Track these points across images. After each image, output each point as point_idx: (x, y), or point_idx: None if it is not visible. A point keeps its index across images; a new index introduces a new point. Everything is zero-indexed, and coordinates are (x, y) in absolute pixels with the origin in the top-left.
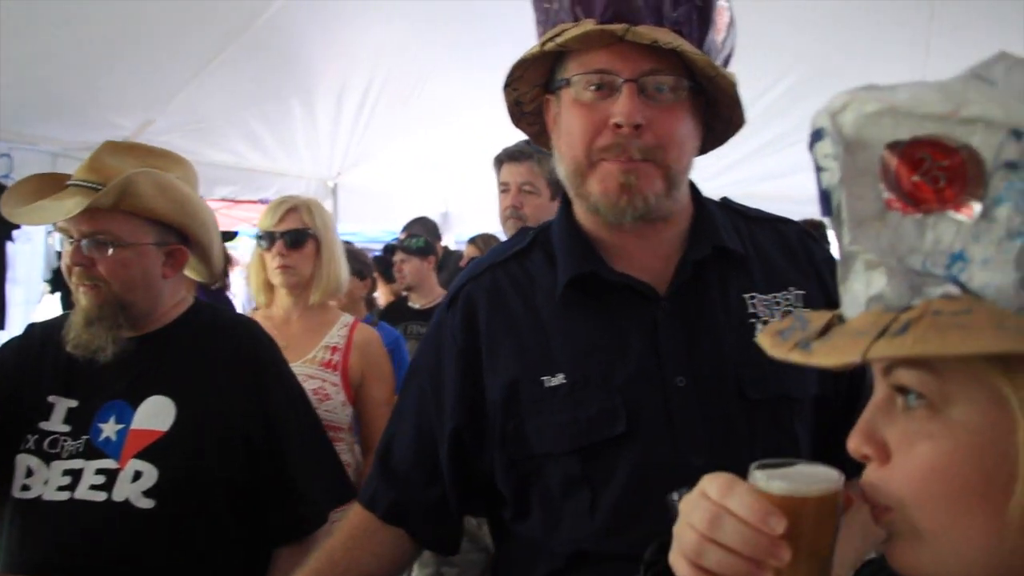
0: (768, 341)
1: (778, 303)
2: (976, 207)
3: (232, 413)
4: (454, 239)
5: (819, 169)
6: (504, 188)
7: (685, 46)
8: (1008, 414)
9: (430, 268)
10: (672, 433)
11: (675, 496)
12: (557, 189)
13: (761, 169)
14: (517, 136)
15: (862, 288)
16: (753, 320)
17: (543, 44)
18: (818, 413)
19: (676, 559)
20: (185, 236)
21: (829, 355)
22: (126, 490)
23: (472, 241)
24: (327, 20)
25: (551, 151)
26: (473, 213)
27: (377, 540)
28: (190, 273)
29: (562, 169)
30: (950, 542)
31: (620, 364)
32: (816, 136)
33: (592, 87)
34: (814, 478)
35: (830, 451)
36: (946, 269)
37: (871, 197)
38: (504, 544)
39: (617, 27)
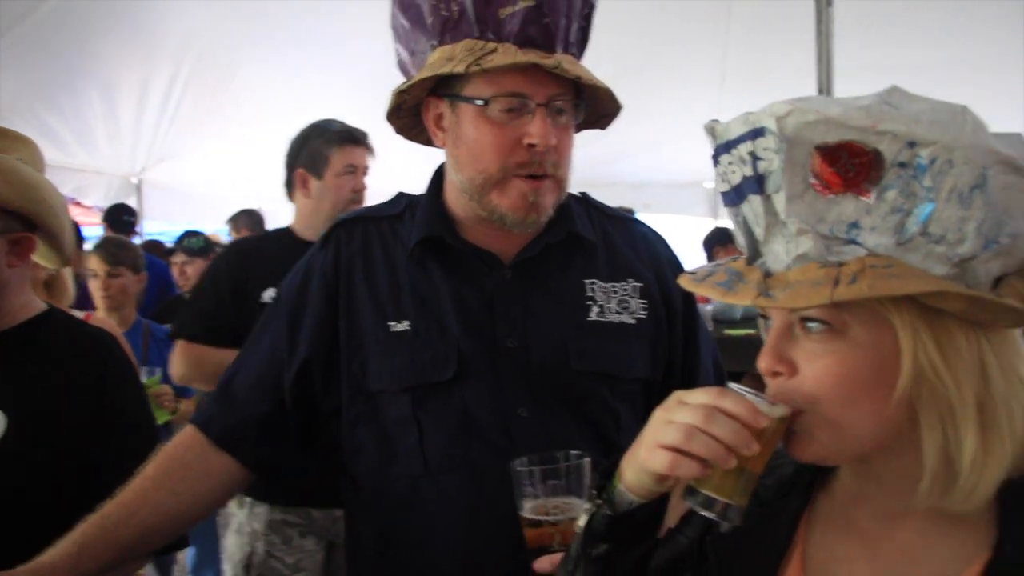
0: (715, 291)
1: (615, 292)
2: (873, 192)
3: (69, 431)
4: None
5: (756, 159)
6: (351, 170)
7: (599, 82)
8: (892, 333)
9: None
10: (499, 387)
11: (517, 464)
12: None
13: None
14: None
15: (783, 248)
16: (589, 303)
17: (467, 68)
18: (646, 394)
19: (652, 451)
20: (31, 222)
21: (796, 300)
22: None
23: (233, 219)
24: (125, 7)
25: (418, 142)
26: (287, 208)
27: (207, 461)
28: (39, 259)
29: (461, 177)
30: (850, 426)
31: (458, 320)
32: (757, 133)
33: (506, 109)
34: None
35: None
36: (846, 233)
37: (799, 181)
38: (347, 491)
39: (549, 62)
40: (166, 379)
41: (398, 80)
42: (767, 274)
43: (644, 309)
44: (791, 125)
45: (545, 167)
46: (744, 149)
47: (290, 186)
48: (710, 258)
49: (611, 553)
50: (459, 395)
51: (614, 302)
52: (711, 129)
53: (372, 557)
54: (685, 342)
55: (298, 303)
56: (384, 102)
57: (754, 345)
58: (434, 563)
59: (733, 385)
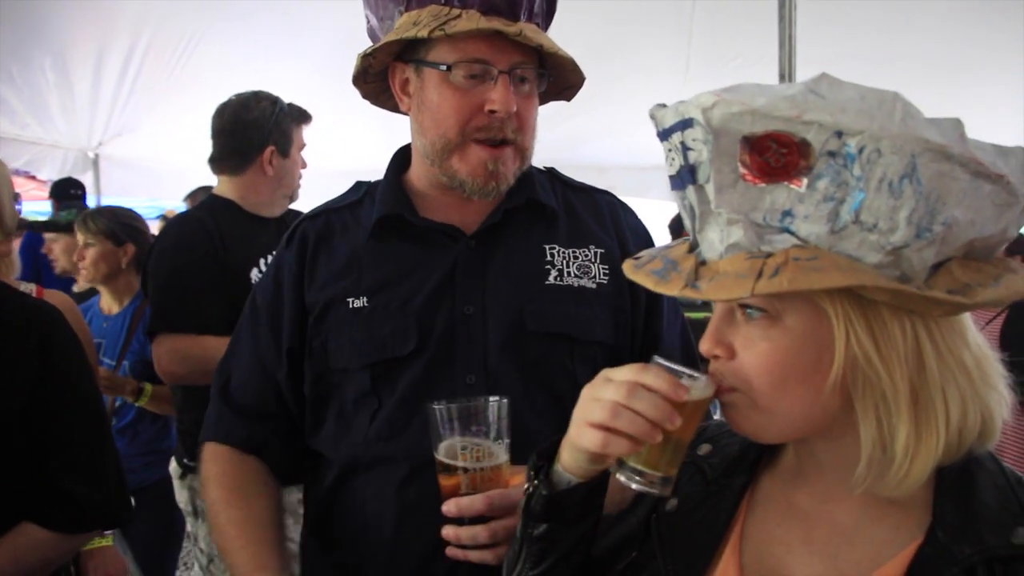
0: (649, 280)
1: (576, 256)
2: (804, 180)
3: (9, 404)
4: None
5: (687, 148)
6: (303, 147)
7: (561, 51)
8: (827, 322)
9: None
10: (452, 354)
11: (435, 405)
12: None
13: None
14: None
15: (717, 237)
16: (549, 267)
17: (431, 32)
18: (609, 359)
19: (581, 429)
20: None
21: (719, 291)
22: None
23: (191, 196)
24: None
25: (385, 108)
26: None
27: (251, 467)
28: None
29: (424, 141)
30: (780, 410)
31: (419, 293)
32: (686, 124)
33: (468, 75)
34: (697, 381)
35: None
36: (779, 222)
37: (729, 171)
38: (307, 471)
39: (512, 29)
40: (137, 367)
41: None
42: (702, 262)
43: (606, 274)
44: (717, 117)
45: (505, 132)
46: (676, 139)
47: (244, 160)
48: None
49: (551, 532)
50: (416, 368)
51: (574, 267)
52: (652, 115)
53: (320, 528)
54: (648, 311)
55: (276, 307)
56: (345, 78)
57: None
58: (369, 527)
59: (659, 359)
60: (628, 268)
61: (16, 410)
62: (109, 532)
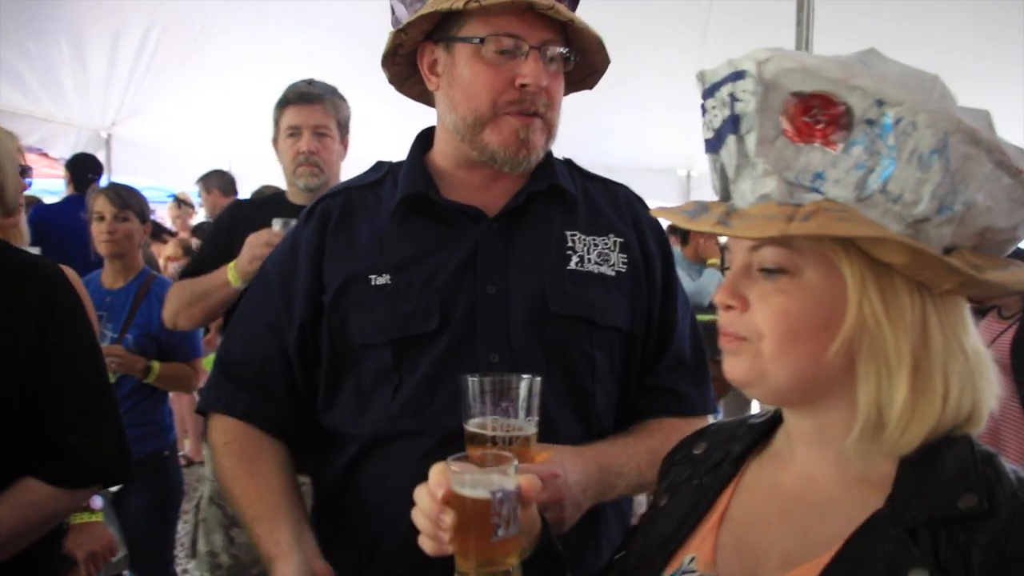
0: (680, 218)
1: (596, 244)
2: (840, 145)
3: (5, 357)
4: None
5: (735, 100)
6: (292, 132)
7: (590, 28)
8: (842, 283)
9: None
10: (475, 333)
11: (470, 377)
12: (344, 133)
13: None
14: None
15: (750, 188)
16: (570, 253)
17: (466, 3)
18: (624, 346)
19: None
20: None
21: (748, 229)
22: None
23: (204, 179)
24: None
25: (406, 95)
26: (259, 172)
27: (255, 434)
28: None
29: (455, 117)
30: (784, 364)
31: (441, 272)
32: (737, 76)
33: (500, 49)
34: (487, 484)
35: (629, 386)
36: (810, 182)
37: (771, 126)
38: (317, 450)
39: (544, 2)
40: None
41: (378, 39)
42: (731, 210)
43: (624, 263)
44: (770, 70)
45: (536, 105)
46: (725, 91)
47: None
48: (685, 243)
49: None
50: (439, 345)
51: (594, 254)
52: (700, 75)
53: (333, 505)
54: (663, 302)
55: (289, 276)
56: (363, 61)
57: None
58: (386, 502)
59: (452, 462)
60: (658, 211)
61: (17, 363)
62: (99, 508)
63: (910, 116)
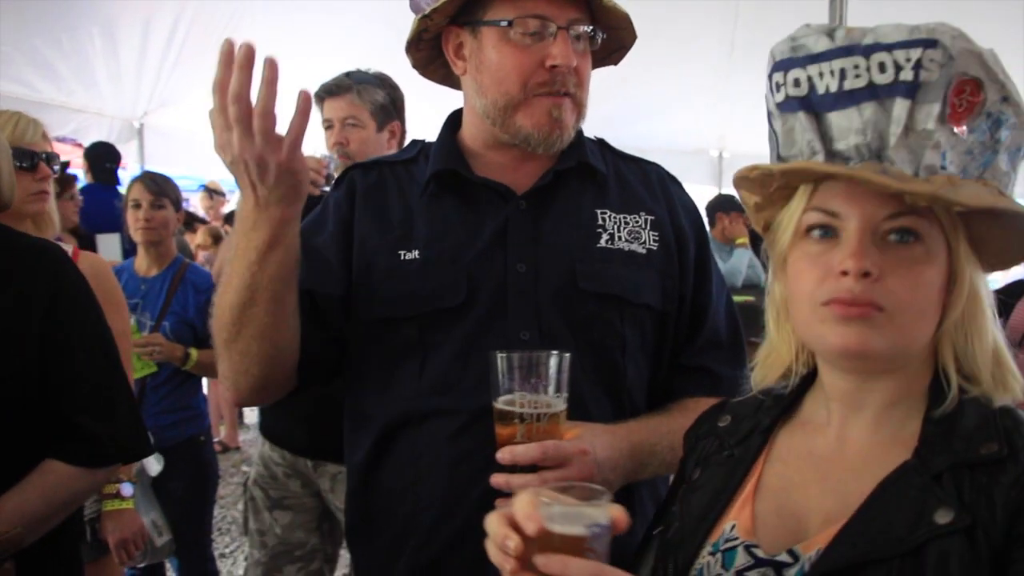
0: (888, 180)
1: (627, 222)
2: (966, 129)
3: (17, 340)
4: None
5: (920, 67)
6: (328, 125)
7: (618, 6)
8: (945, 253)
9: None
10: (505, 310)
11: (499, 353)
12: (385, 118)
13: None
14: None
15: (907, 156)
16: (600, 231)
17: None
18: (656, 324)
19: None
20: None
21: (971, 199)
22: None
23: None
24: None
25: (431, 79)
26: None
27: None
28: None
29: (484, 102)
30: (913, 334)
31: (470, 248)
32: (929, 44)
33: (527, 31)
34: (579, 518)
35: (662, 365)
36: (940, 159)
37: (942, 101)
38: (347, 423)
39: None
40: (186, 330)
41: (405, 26)
42: (885, 171)
43: (656, 241)
44: (958, 47)
45: (567, 86)
46: (901, 55)
47: None
48: (711, 224)
49: None
50: (466, 321)
51: (624, 232)
52: (864, 31)
53: (361, 483)
54: (696, 280)
55: (313, 241)
56: (393, 50)
57: (753, 311)
58: (419, 481)
59: (545, 491)
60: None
61: (31, 346)
62: (129, 495)
63: (1019, 116)
